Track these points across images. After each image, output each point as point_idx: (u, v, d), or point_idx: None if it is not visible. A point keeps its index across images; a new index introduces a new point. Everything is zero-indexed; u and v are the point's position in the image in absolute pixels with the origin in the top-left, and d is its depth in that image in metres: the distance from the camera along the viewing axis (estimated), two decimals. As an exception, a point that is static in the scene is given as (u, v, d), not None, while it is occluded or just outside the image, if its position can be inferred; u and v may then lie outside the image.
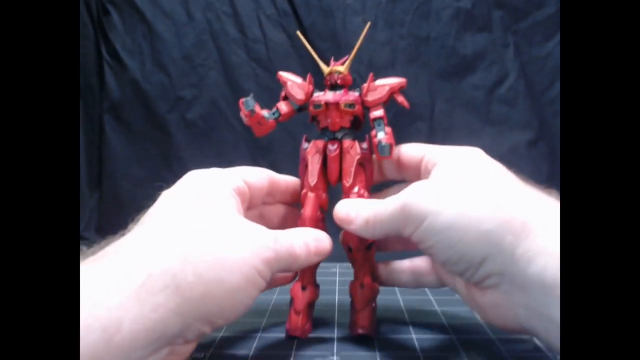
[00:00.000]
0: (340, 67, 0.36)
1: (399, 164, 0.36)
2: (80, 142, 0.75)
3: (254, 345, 0.36)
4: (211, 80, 0.74)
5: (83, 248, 0.28)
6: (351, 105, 0.35)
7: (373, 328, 0.36)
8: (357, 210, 0.33)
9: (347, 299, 0.37)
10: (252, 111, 0.36)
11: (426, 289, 0.48)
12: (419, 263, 0.38)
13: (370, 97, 0.36)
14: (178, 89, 0.74)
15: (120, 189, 0.73)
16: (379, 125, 0.35)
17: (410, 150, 0.36)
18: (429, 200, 0.29)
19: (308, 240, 0.32)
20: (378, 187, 0.39)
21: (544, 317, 0.26)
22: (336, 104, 0.35)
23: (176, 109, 0.74)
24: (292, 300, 0.37)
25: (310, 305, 0.37)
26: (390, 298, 0.46)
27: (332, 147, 0.36)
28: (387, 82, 0.36)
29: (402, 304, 0.44)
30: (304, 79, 0.37)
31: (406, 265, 0.38)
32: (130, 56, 0.75)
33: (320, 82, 0.37)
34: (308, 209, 0.36)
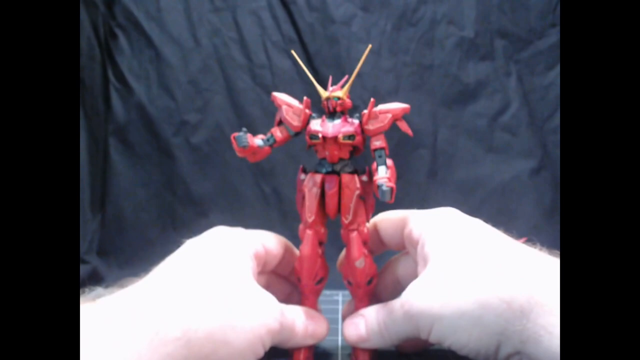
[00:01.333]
0: (338, 92, 0.34)
1: (381, 240, 0.37)
2: (85, 163, 0.75)
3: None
4: (216, 104, 0.75)
5: (99, 289, 0.29)
6: (350, 137, 0.33)
7: None
8: (364, 329, 0.34)
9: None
10: (246, 146, 0.34)
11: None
12: None
13: (372, 126, 0.34)
14: (183, 113, 0.75)
15: (123, 211, 0.73)
16: (380, 157, 0.33)
17: (388, 227, 0.37)
18: (427, 303, 0.30)
19: (308, 322, 0.34)
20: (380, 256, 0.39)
21: None
22: (334, 138, 0.33)
23: (181, 132, 0.74)
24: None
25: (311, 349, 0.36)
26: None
27: (330, 185, 0.34)
28: (390, 108, 0.34)
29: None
30: (301, 101, 0.36)
31: None
32: (136, 80, 0.76)
33: (318, 103, 0.35)
34: (307, 248, 0.35)
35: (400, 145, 0.72)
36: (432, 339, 0.30)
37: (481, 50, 0.75)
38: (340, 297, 0.55)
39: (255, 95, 0.74)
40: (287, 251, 0.37)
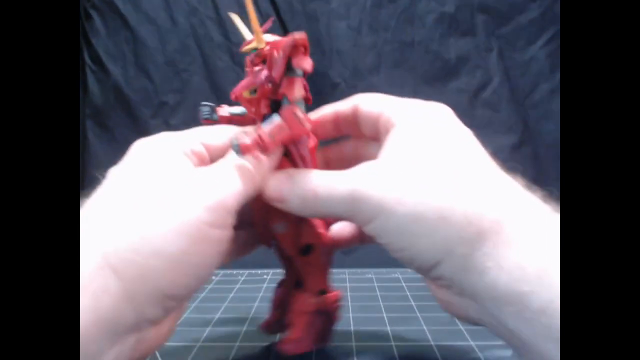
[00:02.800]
0: (248, 46, 0.27)
1: (356, 118, 0.31)
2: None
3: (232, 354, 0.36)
4: (195, 85, 0.74)
5: None
6: (253, 92, 0.28)
7: (305, 343, 0.32)
8: (292, 187, 0.27)
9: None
10: (210, 119, 0.31)
11: (409, 295, 0.48)
12: None
13: (274, 72, 0.26)
14: (161, 94, 0.74)
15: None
16: (283, 105, 0.27)
17: (370, 105, 0.30)
18: (382, 193, 0.25)
19: (261, 132, 0.26)
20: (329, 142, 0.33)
21: (499, 324, 0.24)
22: (237, 99, 0.29)
23: (159, 114, 0.73)
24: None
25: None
26: (373, 305, 0.45)
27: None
28: (277, 41, 0.26)
29: (384, 311, 0.44)
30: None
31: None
32: (113, 61, 0.75)
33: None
34: None
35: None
36: (369, 229, 0.26)
37: (462, 25, 0.75)
38: (347, 275, 0.55)
39: (234, 75, 0.73)
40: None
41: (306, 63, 0.26)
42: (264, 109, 0.28)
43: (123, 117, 0.74)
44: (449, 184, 0.25)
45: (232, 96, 0.29)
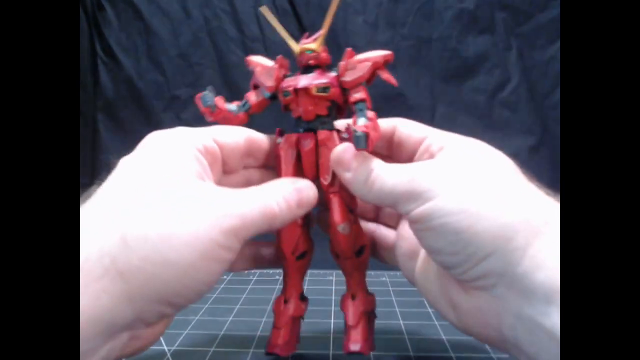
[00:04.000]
0: (312, 45, 0.31)
1: (393, 140, 0.32)
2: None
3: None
4: (207, 79, 0.73)
5: None
6: (325, 89, 0.30)
7: (369, 345, 0.32)
8: (360, 162, 0.28)
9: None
10: (213, 106, 0.31)
11: (425, 304, 0.47)
12: (382, 234, 0.35)
13: (349, 77, 0.30)
14: (173, 88, 0.73)
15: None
16: (361, 110, 0.29)
17: (410, 129, 0.31)
18: (441, 178, 0.26)
19: (287, 194, 0.28)
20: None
21: (539, 327, 0.23)
22: (306, 90, 0.30)
23: (171, 108, 0.72)
24: (274, 316, 0.33)
25: (295, 320, 0.33)
26: (389, 311, 0.44)
27: (306, 141, 0.31)
28: (369, 57, 0.30)
29: (401, 321, 0.43)
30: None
31: (369, 229, 0.35)
32: (125, 53, 0.74)
33: (295, 65, 0.32)
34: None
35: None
36: (418, 213, 0.26)
37: (481, 23, 0.73)
38: (334, 277, 0.54)
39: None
40: (250, 140, 0.32)
41: (392, 78, 0.30)
42: (322, 110, 0.31)
43: (134, 110, 0.73)
44: (506, 185, 0.26)
45: (296, 87, 0.30)
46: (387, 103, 0.69)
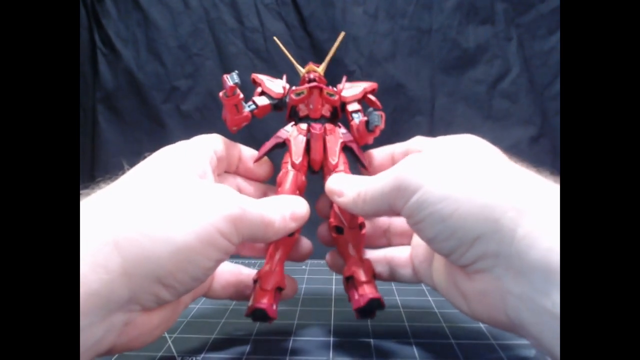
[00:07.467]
0: (317, 68, 0.38)
1: (406, 154, 0.34)
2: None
3: (247, 349, 0.35)
4: (207, 70, 0.72)
5: None
6: (332, 95, 0.37)
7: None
8: (348, 183, 0.32)
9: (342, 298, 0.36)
10: (237, 85, 0.33)
11: (424, 289, 0.47)
12: (395, 254, 0.36)
13: (347, 93, 0.38)
14: (173, 79, 0.72)
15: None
16: (358, 117, 0.37)
17: (418, 143, 0.35)
18: (423, 171, 0.27)
19: (282, 208, 0.31)
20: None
21: (540, 307, 0.23)
22: (320, 89, 0.36)
23: (171, 99, 0.72)
24: (257, 281, 0.34)
25: (277, 290, 0.34)
26: (388, 298, 0.45)
27: (317, 126, 0.36)
28: (360, 84, 0.38)
29: (400, 305, 0.43)
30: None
31: (380, 255, 0.37)
32: (124, 45, 0.73)
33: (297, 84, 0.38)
34: (288, 186, 0.35)
35: (397, 112, 0.70)
36: (408, 209, 0.27)
37: (481, 13, 0.73)
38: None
39: (247, 60, 0.72)
40: (230, 146, 0.37)
41: (377, 101, 0.38)
42: (327, 112, 0.37)
43: (134, 101, 0.72)
44: (486, 168, 0.27)
45: (315, 88, 0.36)
46: (388, 94, 0.69)
